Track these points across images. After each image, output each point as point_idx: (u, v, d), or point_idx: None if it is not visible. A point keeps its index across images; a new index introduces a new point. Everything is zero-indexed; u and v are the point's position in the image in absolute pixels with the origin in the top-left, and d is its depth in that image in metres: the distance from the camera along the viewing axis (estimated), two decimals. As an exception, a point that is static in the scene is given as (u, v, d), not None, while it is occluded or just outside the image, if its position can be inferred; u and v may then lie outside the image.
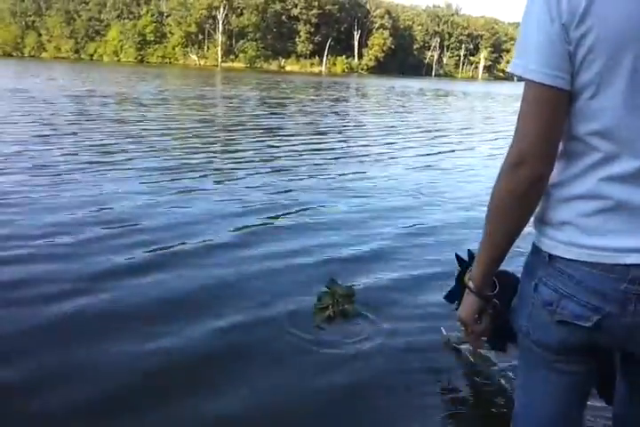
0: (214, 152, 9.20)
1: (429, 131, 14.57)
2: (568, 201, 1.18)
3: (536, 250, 1.26)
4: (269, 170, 7.84)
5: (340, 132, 13.07)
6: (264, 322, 3.22)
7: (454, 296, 2.85)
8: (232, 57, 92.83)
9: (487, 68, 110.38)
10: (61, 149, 8.45)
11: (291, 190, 6.62)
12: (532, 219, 1.25)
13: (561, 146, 1.19)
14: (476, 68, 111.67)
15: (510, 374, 2.67)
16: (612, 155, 1.11)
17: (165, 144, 9.66)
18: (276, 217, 5.46)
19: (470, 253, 2.86)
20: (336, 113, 18.16)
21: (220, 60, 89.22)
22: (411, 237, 4.99)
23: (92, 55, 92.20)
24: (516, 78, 1.21)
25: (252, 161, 8.46)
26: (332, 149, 10.30)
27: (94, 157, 8.02)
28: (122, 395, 2.48)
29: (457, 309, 1.46)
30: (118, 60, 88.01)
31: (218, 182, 6.89)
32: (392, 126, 15.07)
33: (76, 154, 8.14)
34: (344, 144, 11.08)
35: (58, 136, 9.63)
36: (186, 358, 2.82)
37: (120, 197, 5.76)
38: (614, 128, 1.10)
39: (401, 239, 4.92)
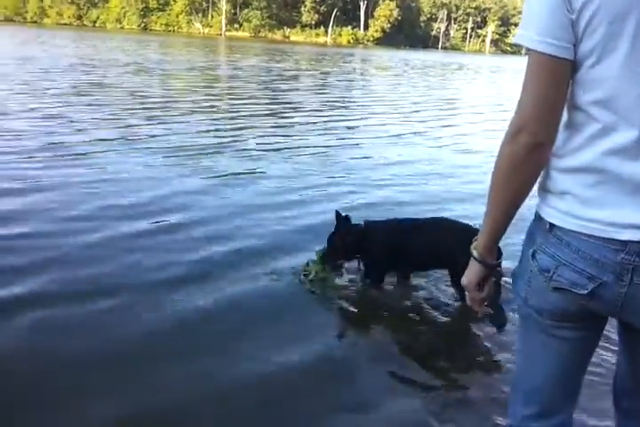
0: (238, 129, 9.19)
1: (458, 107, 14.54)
2: (569, 172, 1.20)
3: (538, 217, 1.29)
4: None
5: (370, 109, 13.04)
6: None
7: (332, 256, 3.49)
8: (236, 26, 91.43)
9: (494, 42, 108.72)
10: (78, 123, 8.49)
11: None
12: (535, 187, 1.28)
13: (565, 116, 1.21)
14: (484, 41, 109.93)
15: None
16: (612, 125, 1.12)
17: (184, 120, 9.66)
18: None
19: (337, 213, 3.49)
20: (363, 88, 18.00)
21: (224, 28, 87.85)
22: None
23: (94, 22, 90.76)
24: (524, 52, 1.27)
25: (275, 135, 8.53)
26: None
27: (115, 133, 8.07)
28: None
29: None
30: (121, 28, 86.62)
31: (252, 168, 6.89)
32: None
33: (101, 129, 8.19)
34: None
35: (74, 111, 9.61)
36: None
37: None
38: (613, 97, 1.11)
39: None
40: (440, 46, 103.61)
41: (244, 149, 7.29)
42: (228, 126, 9.00)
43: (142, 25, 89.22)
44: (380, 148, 8.12)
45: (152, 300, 3.19)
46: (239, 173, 6.10)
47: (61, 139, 7.07)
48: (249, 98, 12.96)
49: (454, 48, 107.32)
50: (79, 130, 7.79)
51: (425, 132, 9.91)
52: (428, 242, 3.29)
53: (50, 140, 6.96)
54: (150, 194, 5.10)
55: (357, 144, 8.28)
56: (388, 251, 3.39)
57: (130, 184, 5.36)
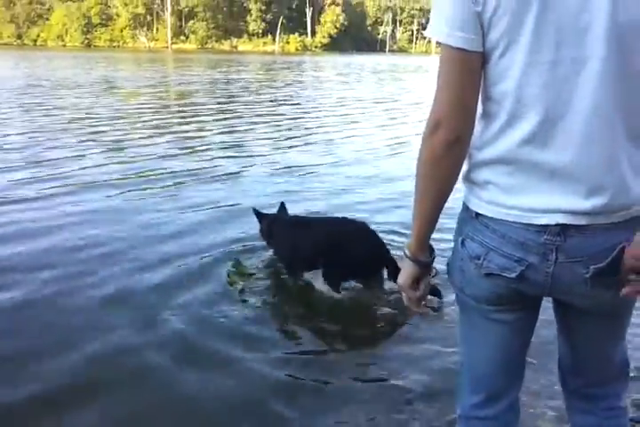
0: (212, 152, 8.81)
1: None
2: (488, 163, 1.23)
3: (465, 207, 1.32)
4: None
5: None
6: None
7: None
8: (183, 38, 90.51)
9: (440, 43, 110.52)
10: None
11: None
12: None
13: (479, 108, 1.23)
14: (430, 42, 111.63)
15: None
16: (520, 115, 1.15)
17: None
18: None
19: (255, 211, 3.90)
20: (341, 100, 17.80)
21: (170, 41, 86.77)
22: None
23: (35, 40, 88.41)
24: (439, 60, 1.22)
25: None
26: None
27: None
28: None
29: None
30: (64, 45, 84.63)
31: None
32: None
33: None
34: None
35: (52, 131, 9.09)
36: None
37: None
38: (519, 87, 1.13)
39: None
40: (387, 49, 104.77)
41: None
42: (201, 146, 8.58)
43: (85, 41, 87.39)
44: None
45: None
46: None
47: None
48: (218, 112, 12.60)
49: (401, 50, 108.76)
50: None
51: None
52: (303, 239, 3.47)
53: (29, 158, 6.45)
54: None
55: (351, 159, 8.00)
56: (279, 243, 3.67)
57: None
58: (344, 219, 3.67)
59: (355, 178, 6.64)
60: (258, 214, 3.92)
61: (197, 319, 3.15)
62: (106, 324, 3.09)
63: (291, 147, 8.65)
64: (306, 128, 10.61)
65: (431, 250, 1.39)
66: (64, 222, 4.71)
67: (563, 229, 1.17)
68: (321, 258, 3.37)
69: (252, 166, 7.15)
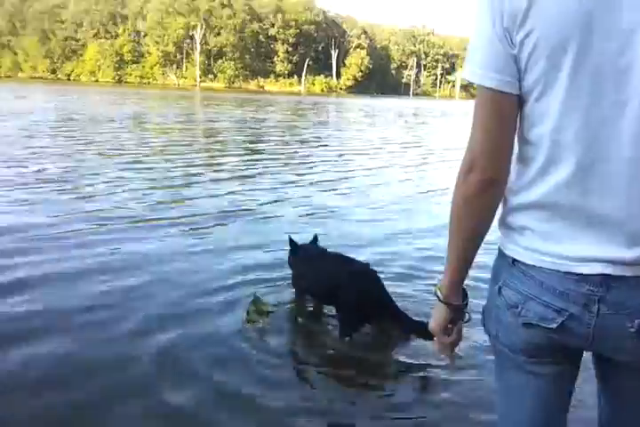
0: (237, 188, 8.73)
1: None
2: (524, 207, 1.18)
3: (500, 253, 1.27)
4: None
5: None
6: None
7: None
8: (211, 77, 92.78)
9: (464, 87, 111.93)
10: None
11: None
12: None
13: (516, 151, 1.19)
14: (453, 86, 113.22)
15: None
16: (558, 159, 1.11)
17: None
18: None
19: (290, 239, 3.90)
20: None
21: (198, 80, 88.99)
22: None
23: (68, 75, 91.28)
24: (474, 101, 1.20)
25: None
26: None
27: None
28: None
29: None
30: (96, 81, 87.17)
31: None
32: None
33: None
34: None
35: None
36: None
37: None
38: (557, 131, 1.09)
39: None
40: (411, 93, 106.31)
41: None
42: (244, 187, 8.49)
43: (117, 77, 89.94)
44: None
45: None
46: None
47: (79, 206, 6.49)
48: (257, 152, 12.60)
49: (425, 94, 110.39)
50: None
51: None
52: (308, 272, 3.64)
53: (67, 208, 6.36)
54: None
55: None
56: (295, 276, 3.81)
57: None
58: (339, 257, 3.70)
59: (387, 222, 6.46)
60: (292, 243, 3.91)
61: (218, 359, 3.13)
62: (128, 359, 3.09)
63: (321, 189, 8.49)
64: (336, 170, 10.41)
65: (465, 294, 1.35)
66: (95, 263, 4.59)
67: (604, 279, 1.11)
68: (334, 293, 3.40)
69: (282, 208, 6.98)
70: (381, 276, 3.51)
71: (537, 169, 1.14)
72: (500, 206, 1.24)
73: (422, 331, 2.88)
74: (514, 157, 1.20)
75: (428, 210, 7.26)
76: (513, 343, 1.27)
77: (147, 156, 11.11)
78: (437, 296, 1.34)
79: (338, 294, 3.33)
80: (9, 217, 5.89)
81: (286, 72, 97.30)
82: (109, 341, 3.29)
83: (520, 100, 1.14)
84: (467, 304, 1.36)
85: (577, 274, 1.12)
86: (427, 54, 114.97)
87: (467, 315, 1.38)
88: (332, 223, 6.29)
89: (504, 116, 1.14)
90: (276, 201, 7.40)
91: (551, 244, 1.14)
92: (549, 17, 1.05)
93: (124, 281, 4.20)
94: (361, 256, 4.17)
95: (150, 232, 5.58)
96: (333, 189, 8.52)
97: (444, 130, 24.19)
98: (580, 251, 1.11)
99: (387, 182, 9.45)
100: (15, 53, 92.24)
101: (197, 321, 3.57)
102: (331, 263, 3.59)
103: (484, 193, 1.18)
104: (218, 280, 4.24)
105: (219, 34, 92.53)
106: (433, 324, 1.37)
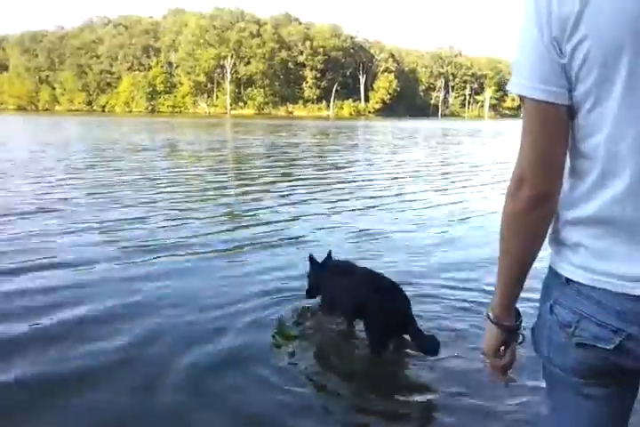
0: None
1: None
2: (577, 223, 1.13)
3: (552, 271, 1.22)
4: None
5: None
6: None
7: (309, 293, 3.98)
8: (241, 104, 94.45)
9: (493, 107, 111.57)
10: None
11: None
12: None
13: (568, 164, 1.14)
14: (482, 106, 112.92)
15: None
16: (613, 172, 1.05)
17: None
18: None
19: (310, 256, 4.03)
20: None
21: (229, 107, 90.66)
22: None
23: (103, 107, 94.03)
24: (522, 114, 1.15)
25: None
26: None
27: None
28: None
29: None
30: (130, 111, 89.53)
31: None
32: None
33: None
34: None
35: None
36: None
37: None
38: (611, 142, 1.04)
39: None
40: (440, 114, 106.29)
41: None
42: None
43: (150, 107, 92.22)
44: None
45: None
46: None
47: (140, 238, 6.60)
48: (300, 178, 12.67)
49: (454, 115, 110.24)
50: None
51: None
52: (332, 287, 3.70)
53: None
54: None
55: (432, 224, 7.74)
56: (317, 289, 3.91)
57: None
58: (367, 272, 3.68)
59: (425, 244, 6.33)
60: (311, 261, 4.01)
61: (240, 384, 3.10)
62: (154, 381, 3.11)
63: (356, 210, 8.42)
64: (370, 193, 10.38)
65: (517, 314, 1.30)
66: (123, 286, 4.62)
67: None
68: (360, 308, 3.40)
69: (318, 231, 6.92)
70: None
71: (591, 182, 1.09)
72: (552, 222, 1.19)
73: (433, 350, 3.05)
74: (566, 171, 1.15)
75: (461, 227, 7.22)
76: (565, 364, 1.21)
77: (175, 183, 11.23)
78: (489, 317, 1.30)
79: (367, 310, 3.31)
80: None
81: (315, 97, 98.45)
82: (132, 361, 3.31)
83: (571, 111, 1.08)
84: (520, 325, 1.30)
85: (632, 295, 1.06)
86: (455, 75, 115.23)
87: (520, 336, 1.32)
88: (365, 244, 6.23)
89: (553, 128, 1.09)
90: (329, 227, 7.23)
91: (604, 262, 1.09)
92: (601, 27, 0.99)
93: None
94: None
95: (179, 253, 5.63)
96: (364, 210, 8.48)
97: (474, 149, 24.00)
98: (634, 270, 1.06)
99: (418, 201, 9.39)
100: (53, 88, 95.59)
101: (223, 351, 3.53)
102: (359, 279, 3.56)
103: (534, 209, 1.13)
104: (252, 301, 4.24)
105: (248, 63, 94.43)
106: (485, 346, 1.33)
